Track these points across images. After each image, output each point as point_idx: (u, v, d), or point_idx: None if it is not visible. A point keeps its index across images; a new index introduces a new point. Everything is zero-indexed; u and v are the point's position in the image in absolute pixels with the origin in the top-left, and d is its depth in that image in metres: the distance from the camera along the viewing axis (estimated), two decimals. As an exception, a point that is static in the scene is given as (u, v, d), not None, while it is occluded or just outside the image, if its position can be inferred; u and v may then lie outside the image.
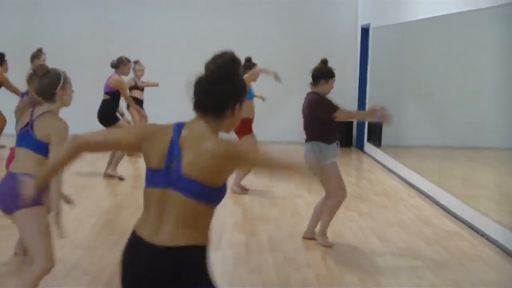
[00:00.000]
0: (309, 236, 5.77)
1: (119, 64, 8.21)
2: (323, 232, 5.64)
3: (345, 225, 6.31)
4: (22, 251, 4.83)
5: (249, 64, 7.63)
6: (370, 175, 9.16)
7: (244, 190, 7.67)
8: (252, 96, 7.76)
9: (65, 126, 3.76)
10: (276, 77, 7.26)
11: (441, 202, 7.21)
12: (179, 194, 2.32)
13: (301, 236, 5.85)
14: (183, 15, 11.97)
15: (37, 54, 8.87)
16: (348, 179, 8.79)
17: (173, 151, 2.33)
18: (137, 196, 7.05)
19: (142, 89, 9.74)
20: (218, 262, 5.08)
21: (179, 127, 2.39)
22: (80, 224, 5.95)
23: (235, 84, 2.42)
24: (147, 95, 9.94)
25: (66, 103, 3.93)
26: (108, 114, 8.01)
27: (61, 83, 3.85)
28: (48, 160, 3.60)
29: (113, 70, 8.21)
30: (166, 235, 2.32)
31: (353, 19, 11.99)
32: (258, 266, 5.05)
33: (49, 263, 3.74)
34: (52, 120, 3.79)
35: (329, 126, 5.43)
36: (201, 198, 2.33)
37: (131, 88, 9.37)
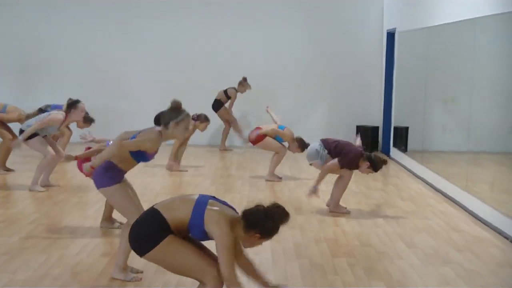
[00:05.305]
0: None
1: None
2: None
3: (371, 231, 6.27)
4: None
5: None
6: (396, 181, 9.08)
7: (278, 178, 8.79)
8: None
9: (152, 140, 4.53)
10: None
11: (469, 207, 7.12)
12: None
13: (327, 242, 5.83)
14: (202, 26, 12.04)
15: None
16: (374, 184, 8.75)
17: None
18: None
19: None
20: (245, 268, 5.07)
21: None
22: (107, 233, 6.01)
23: None
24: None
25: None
26: None
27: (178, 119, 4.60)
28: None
29: None
30: None
31: (379, 24, 11.95)
32: (285, 273, 5.03)
33: None
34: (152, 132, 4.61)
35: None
36: None
37: None
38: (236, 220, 3.67)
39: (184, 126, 4.60)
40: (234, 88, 11.28)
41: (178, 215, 3.69)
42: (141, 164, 5.06)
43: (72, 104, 7.61)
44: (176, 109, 4.61)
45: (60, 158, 7.99)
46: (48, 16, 11.95)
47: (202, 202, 3.71)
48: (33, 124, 7.55)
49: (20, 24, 11.94)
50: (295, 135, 8.69)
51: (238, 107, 11.56)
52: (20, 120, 8.82)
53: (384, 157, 6.97)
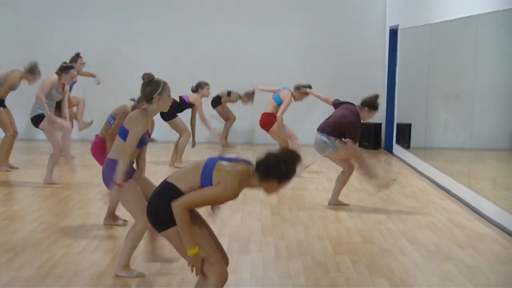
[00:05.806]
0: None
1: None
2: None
3: (374, 228, 6.27)
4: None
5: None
6: (399, 177, 9.06)
7: None
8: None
9: (139, 122, 4.49)
10: None
11: (472, 204, 7.12)
12: None
13: (330, 239, 5.84)
14: (203, 23, 12.01)
15: (75, 58, 9.81)
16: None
17: None
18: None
19: None
20: (248, 266, 5.09)
21: None
22: (110, 230, 6.03)
23: None
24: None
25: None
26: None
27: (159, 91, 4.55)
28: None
29: None
30: None
31: (382, 21, 11.94)
32: (287, 270, 5.04)
33: None
34: (135, 114, 4.59)
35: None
36: None
37: None
38: (249, 173, 3.65)
39: (167, 94, 4.57)
40: (239, 95, 11.25)
41: (190, 183, 3.64)
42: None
43: (66, 68, 8.00)
44: (151, 82, 4.55)
45: (61, 153, 8.09)
46: (48, 16, 11.95)
47: (210, 165, 3.66)
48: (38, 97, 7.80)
49: (20, 24, 11.94)
50: (290, 94, 8.85)
51: (238, 107, 11.54)
52: (25, 78, 8.94)
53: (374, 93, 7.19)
